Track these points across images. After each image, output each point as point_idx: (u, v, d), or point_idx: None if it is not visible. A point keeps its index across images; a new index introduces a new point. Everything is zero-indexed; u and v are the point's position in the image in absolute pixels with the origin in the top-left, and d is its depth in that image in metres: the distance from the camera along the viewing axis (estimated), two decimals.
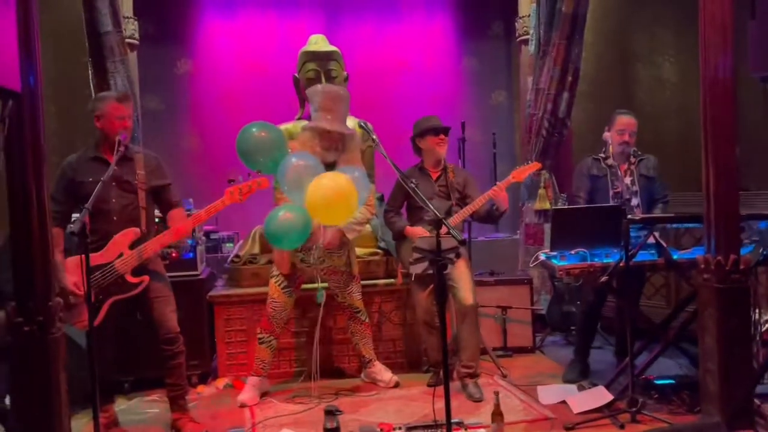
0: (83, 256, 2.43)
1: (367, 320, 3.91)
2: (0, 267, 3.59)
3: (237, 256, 4.32)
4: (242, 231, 4.87)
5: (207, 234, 4.77)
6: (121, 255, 3.08)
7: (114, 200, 3.13)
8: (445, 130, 3.88)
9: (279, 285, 3.71)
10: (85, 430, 3.21)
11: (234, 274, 4.26)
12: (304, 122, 4.53)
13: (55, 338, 2.43)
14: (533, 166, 3.85)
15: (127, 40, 4.57)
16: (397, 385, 3.82)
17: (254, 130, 3.50)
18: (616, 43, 5.72)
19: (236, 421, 3.36)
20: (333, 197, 3.29)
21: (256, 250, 4.30)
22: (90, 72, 4.38)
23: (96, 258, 3.02)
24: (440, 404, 2.39)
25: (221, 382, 4.00)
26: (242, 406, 3.59)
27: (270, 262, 4.20)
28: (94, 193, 2.69)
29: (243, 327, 4.09)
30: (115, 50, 4.26)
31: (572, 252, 3.26)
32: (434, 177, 3.91)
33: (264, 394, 3.75)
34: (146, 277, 3.14)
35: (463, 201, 3.87)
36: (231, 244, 5.00)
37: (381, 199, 4.46)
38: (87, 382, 2.60)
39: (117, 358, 3.39)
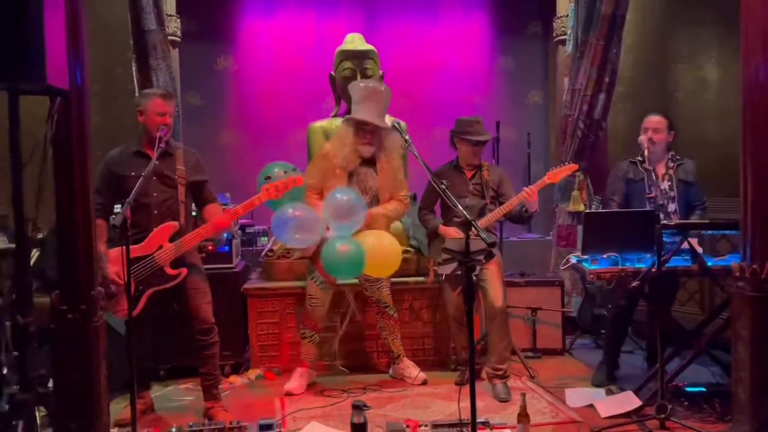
0: (124, 247, 2.53)
1: (395, 315, 3.93)
2: (46, 256, 3.76)
3: (271, 250, 4.40)
4: None
5: (242, 228, 4.87)
6: (160, 247, 3.18)
7: (155, 194, 3.23)
8: (483, 143, 3.87)
9: (315, 282, 3.77)
10: (123, 414, 3.32)
11: (268, 268, 4.35)
12: (340, 120, 4.60)
13: (96, 326, 2.54)
14: (569, 168, 3.81)
15: (170, 38, 4.68)
16: (424, 383, 3.85)
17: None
18: (657, 45, 5.63)
19: (267, 412, 3.43)
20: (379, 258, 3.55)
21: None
22: (134, 68, 4.51)
23: (136, 250, 3.12)
24: (467, 403, 2.42)
25: (253, 373, 4.09)
26: (288, 394, 3.70)
27: (303, 257, 4.28)
28: (135, 187, 2.80)
29: (275, 320, 4.17)
30: (158, 48, 4.37)
31: (604, 256, 3.24)
32: (469, 175, 3.92)
33: (310, 385, 3.86)
34: (184, 270, 3.23)
35: (497, 199, 3.87)
36: (266, 238, 5.08)
37: (414, 198, 4.49)
38: (125, 369, 2.72)
39: (154, 347, 3.52)
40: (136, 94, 4.64)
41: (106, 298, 3.04)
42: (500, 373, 3.68)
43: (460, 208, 2.49)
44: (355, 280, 3.86)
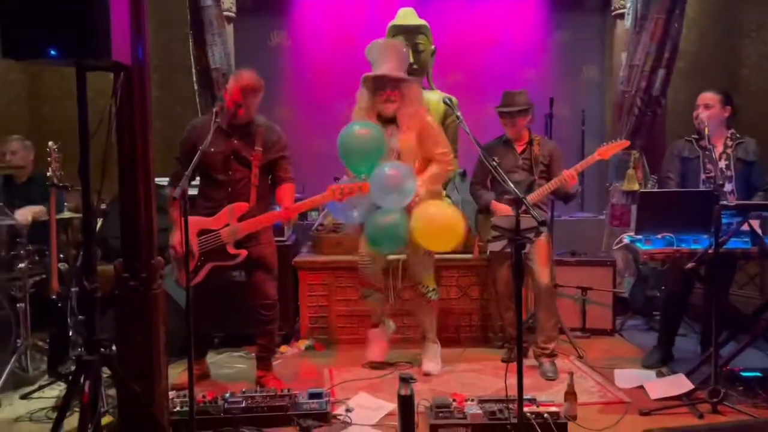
0: (188, 218, 2.57)
1: (434, 298, 3.71)
2: (108, 226, 3.92)
3: (321, 224, 4.48)
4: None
5: (294, 202, 4.94)
6: (227, 225, 3.26)
7: (230, 173, 3.30)
8: (510, 114, 3.80)
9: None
10: (179, 378, 3.47)
11: (318, 242, 4.43)
12: None
13: (156, 294, 2.64)
14: (620, 144, 3.72)
15: (225, 13, 4.75)
16: (426, 374, 3.64)
17: (356, 128, 3.48)
18: (722, 18, 5.38)
19: (317, 382, 3.53)
20: (441, 228, 3.42)
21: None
22: (190, 43, 4.61)
23: (207, 223, 3.27)
24: (513, 380, 2.43)
25: (303, 344, 4.20)
26: (371, 362, 3.74)
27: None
28: (192, 163, 2.87)
29: (324, 292, 4.26)
30: (213, 23, 4.45)
31: (658, 236, 3.17)
32: (519, 150, 3.87)
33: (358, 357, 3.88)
34: (244, 252, 3.28)
35: (548, 174, 3.82)
36: (316, 213, 5.15)
37: (463, 174, 4.48)
38: (182, 336, 2.83)
39: (210, 315, 3.64)
40: (193, 70, 4.76)
41: (174, 264, 3.19)
42: (547, 351, 3.67)
43: (511, 185, 2.47)
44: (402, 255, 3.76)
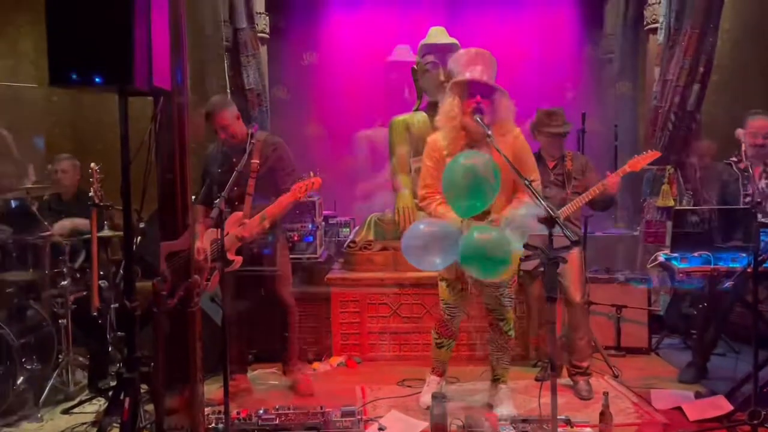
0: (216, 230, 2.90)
1: (511, 333, 3.37)
2: (146, 243, 4.01)
3: (353, 241, 4.51)
4: (358, 217, 5.06)
5: (325, 219, 5.00)
6: (225, 235, 3.36)
7: (235, 188, 3.47)
8: (563, 135, 3.80)
9: (453, 289, 3.30)
10: (214, 394, 3.53)
11: (350, 259, 4.46)
12: (422, 113, 4.64)
13: (193, 312, 2.70)
14: (651, 156, 3.69)
15: (259, 35, 4.86)
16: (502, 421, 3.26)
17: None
18: (758, 31, 5.30)
19: (349, 400, 3.53)
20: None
21: (372, 236, 4.46)
22: (225, 65, 4.72)
23: (214, 234, 3.46)
24: (547, 399, 2.41)
25: (335, 361, 4.21)
26: (427, 408, 3.22)
27: (384, 248, 4.37)
28: (229, 183, 3.01)
29: (357, 309, 4.27)
30: (248, 45, 4.56)
31: (695, 254, 3.12)
32: (551, 165, 3.85)
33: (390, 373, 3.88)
34: (239, 259, 3.49)
35: (581, 189, 3.80)
36: (347, 229, 5.20)
37: None
38: (216, 352, 2.88)
39: (245, 333, 3.73)
40: (227, 90, 4.87)
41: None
42: (581, 370, 3.63)
43: (545, 204, 2.47)
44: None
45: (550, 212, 2.41)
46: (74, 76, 2.07)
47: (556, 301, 2.42)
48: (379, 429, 3.10)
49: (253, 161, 3.52)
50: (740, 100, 5.13)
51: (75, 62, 2.06)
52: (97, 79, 2.07)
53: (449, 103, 3.16)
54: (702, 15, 4.50)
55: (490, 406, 3.34)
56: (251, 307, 3.71)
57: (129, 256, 2.38)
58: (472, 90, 3.09)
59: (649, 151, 3.80)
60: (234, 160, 3.54)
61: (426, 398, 3.42)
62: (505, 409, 3.28)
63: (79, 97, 5.42)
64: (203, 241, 3.48)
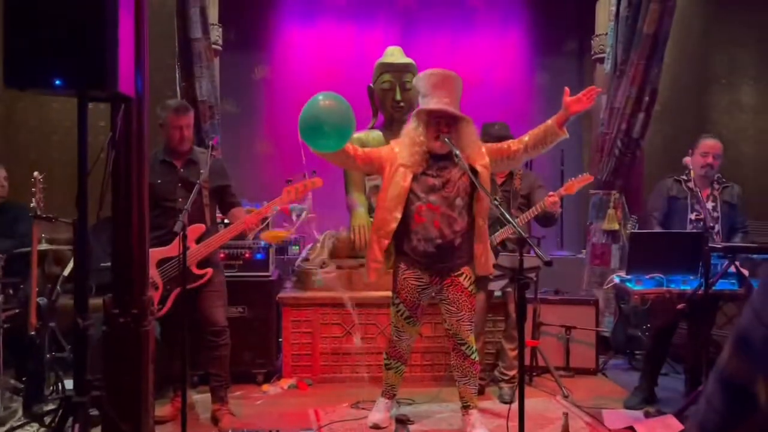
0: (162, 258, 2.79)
1: (475, 358, 3.27)
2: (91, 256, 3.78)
3: (306, 259, 4.41)
4: (308, 235, 4.97)
5: None
6: (187, 249, 3.20)
7: (180, 199, 3.33)
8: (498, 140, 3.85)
9: (402, 315, 3.28)
10: (161, 411, 3.39)
11: (302, 277, 4.36)
12: (377, 132, 4.62)
13: (147, 330, 2.56)
14: (584, 179, 3.85)
15: (212, 46, 4.74)
16: None
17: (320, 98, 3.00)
18: (694, 64, 5.60)
19: (302, 423, 3.43)
20: None
21: (326, 255, 4.38)
22: (177, 75, 4.57)
23: (164, 251, 3.30)
24: (500, 422, 2.39)
25: (286, 383, 4.09)
26: (374, 426, 3.34)
27: (339, 267, 4.30)
28: (191, 196, 2.88)
29: (309, 329, 4.17)
30: (202, 56, 4.44)
31: (648, 277, 3.21)
32: (499, 181, 3.92)
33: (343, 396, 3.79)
34: (210, 270, 3.36)
35: (526, 206, 3.88)
36: (297, 247, 5.10)
37: None
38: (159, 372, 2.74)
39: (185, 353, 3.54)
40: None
41: None
42: (507, 377, 3.90)
43: (515, 223, 2.48)
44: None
45: (521, 232, 2.41)
46: (32, 78, 1.94)
47: (525, 320, 2.42)
48: None
49: (201, 171, 3.30)
50: (678, 128, 5.39)
51: (34, 63, 1.93)
52: (57, 82, 1.94)
53: (414, 129, 3.17)
54: (648, 47, 4.71)
55: None
56: (191, 326, 3.56)
57: (82, 270, 2.22)
58: (438, 118, 3.11)
59: (584, 174, 3.92)
60: (181, 169, 3.39)
61: (373, 417, 3.41)
62: (481, 430, 3.21)
63: (11, 103, 5.13)
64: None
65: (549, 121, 3.17)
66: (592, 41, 5.36)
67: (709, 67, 5.65)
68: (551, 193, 3.76)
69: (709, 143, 3.74)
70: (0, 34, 1.97)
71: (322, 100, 2.93)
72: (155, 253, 3.21)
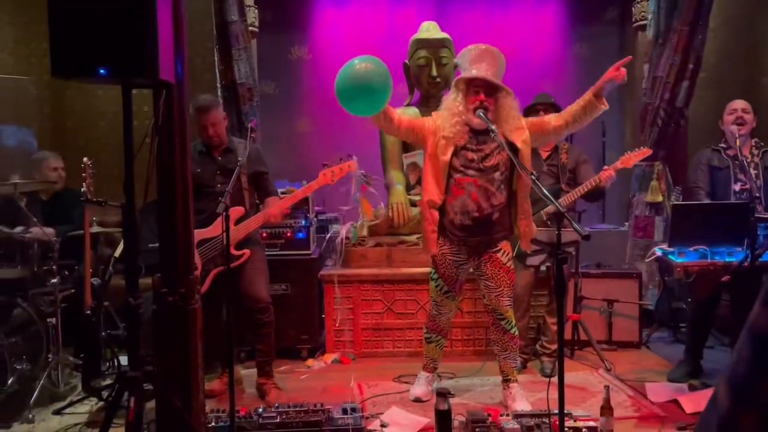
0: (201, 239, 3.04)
1: (514, 332, 3.29)
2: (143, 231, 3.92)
3: (346, 237, 4.47)
4: (348, 213, 5.03)
5: (316, 215, 4.96)
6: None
7: (219, 185, 3.45)
8: (545, 107, 3.80)
9: (441, 290, 3.33)
10: (210, 384, 3.56)
11: (343, 254, 4.42)
12: (413, 108, 4.61)
13: (194, 309, 2.64)
14: (642, 153, 3.77)
15: (249, 28, 4.79)
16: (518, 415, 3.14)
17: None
18: (741, 29, 5.39)
19: (345, 397, 3.51)
20: None
21: (365, 232, 4.44)
22: (216, 58, 4.64)
23: (204, 233, 3.43)
24: (541, 394, 2.41)
25: (329, 358, 4.19)
26: (416, 400, 3.40)
27: (378, 245, 4.35)
28: (232, 180, 3.01)
29: (350, 305, 4.25)
30: (239, 38, 4.49)
31: (692, 249, 3.16)
32: (544, 155, 3.88)
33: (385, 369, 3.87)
34: (247, 251, 3.46)
35: (574, 182, 3.84)
36: (337, 225, 5.16)
37: None
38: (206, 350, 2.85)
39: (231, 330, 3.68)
40: (217, 85, 4.79)
41: None
42: (549, 351, 3.88)
43: (552, 199, 2.47)
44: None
45: (558, 207, 2.41)
46: (77, 67, 2.01)
47: (565, 295, 2.42)
48: (382, 425, 3.08)
49: (239, 158, 3.40)
50: (725, 96, 5.21)
51: (79, 53, 2.00)
52: (101, 71, 2.01)
53: (453, 99, 3.17)
54: (692, 12, 4.56)
55: (504, 406, 3.27)
56: (232, 304, 3.68)
57: (132, 252, 2.31)
58: (477, 87, 3.09)
59: (641, 148, 3.84)
60: (219, 158, 3.54)
61: (414, 391, 3.47)
62: (520, 407, 3.18)
63: (60, 91, 5.30)
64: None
65: (586, 94, 3.10)
66: (633, 8, 5.21)
67: (757, 31, 5.43)
68: (606, 167, 3.70)
69: (734, 104, 3.66)
70: (46, 27, 2.04)
71: (359, 63, 2.90)
72: (195, 235, 3.31)
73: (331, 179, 3.52)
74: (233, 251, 3.40)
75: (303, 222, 4.26)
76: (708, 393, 3.27)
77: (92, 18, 1.97)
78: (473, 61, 3.10)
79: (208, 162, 3.54)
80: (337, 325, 4.23)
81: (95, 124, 5.35)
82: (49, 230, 3.55)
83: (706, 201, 3.59)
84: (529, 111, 3.86)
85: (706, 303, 3.70)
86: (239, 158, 3.38)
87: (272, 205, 3.58)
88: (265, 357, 3.60)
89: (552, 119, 3.23)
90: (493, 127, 2.93)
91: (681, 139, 4.98)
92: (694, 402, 3.24)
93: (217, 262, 3.42)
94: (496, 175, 3.13)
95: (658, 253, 3.36)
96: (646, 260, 3.53)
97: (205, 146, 3.58)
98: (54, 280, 3.45)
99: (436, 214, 3.19)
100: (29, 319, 3.46)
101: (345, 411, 3.04)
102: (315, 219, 4.56)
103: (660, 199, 4.76)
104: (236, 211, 3.40)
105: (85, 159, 3.29)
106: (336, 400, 3.40)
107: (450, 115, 3.15)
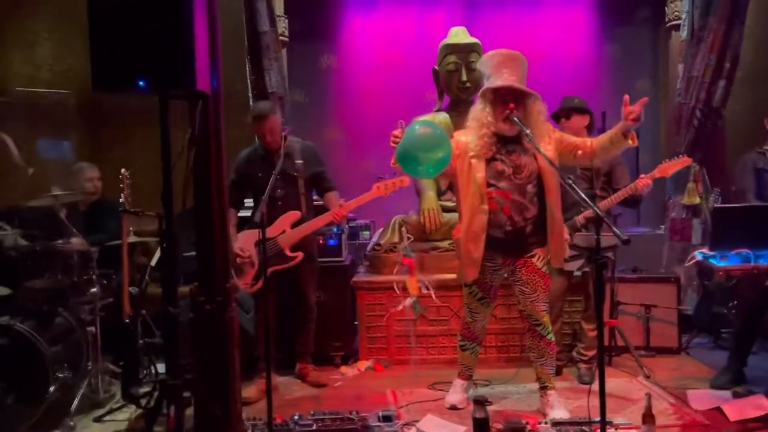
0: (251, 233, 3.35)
1: (551, 338, 3.24)
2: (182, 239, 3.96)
3: (378, 244, 4.47)
4: (378, 220, 5.03)
5: (347, 222, 4.97)
6: (283, 232, 3.60)
7: (279, 190, 3.61)
8: (582, 111, 3.79)
9: (475, 297, 3.30)
10: (246, 392, 3.50)
11: (375, 262, 4.42)
12: (443, 114, 4.60)
13: (231, 317, 2.67)
14: (682, 162, 3.68)
15: (279, 38, 4.84)
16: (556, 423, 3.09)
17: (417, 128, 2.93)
18: None
19: (380, 404, 3.50)
20: None
21: (396, 239, 4.43)
22: (248, 68, 4.69)
23: (252, 236, 3.59)
24: (580, 402, 2.37)
25: (363, 365, 4.17)
26: (452, 408, 3.38)
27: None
28: (268, 187, 3.04)
29: (383, 312, 4.23)
30: (270, 48, 4.54)
31: (734, 252, 3.08)
32: None
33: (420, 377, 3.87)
34: (300, 253, 3.61)
35: (608, 185, 3.78)
36: (367, 232, 5.17)
37: None
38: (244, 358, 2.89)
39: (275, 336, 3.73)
40: (249, 94, 4.84)
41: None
42: (586, 358, 3.83)
43: (591, 204, 2.43)
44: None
45: (598, 212, 2.37)
46: (118, 81, 2.05)
47: (603, 302, 2.38)
48: None
49: (297, 162, 3.66)
50: (762, 95, 5.09)
51: (119, 66, 2.04)
52: (141, 83, 2.04)
53: (480, 111, 3.13)
54: (728, 10, 4.47)
55: (543, 414, 3.22)
56: (280, 306, 3.81)
57: (171, 261, 2.34)
58: (505, 96, 3.04)
59: (681, 156, 3.77)
60: (278, 162, 3.52)
61: (450, 398, 3.45)
62: (557, 414, 3.13)
63: (98, 103, 5.40)
64: (244, 242, 3.62)
65: (615, 128, 3.07)
66: (666, 7, 5.13)
67: None
68: (642, 175, 3.63)
69: None
70: (83, 42, 2.09)
71: (419, 128, 2.88)
72: (253, 235, 3.56)
73: (385, 192, 3.60)
74: (288, 253, 3.60)
75: (335, 229, 4.27)
76: (753, 400, 3.19)
77: (131, 32, 2.01)
78: (495, 69, 3.06)
79: (269, 167, 3.51)
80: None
81: (133, 136, 5.40)
82: (81, 240, 3.62)
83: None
84: (558, 116, 3.82)
85: (752, 309, 3.60)
86: (297, 161, 3.61)
87: (332, 200, 3.74)
88: (305, 347, 3.94)
89: (588, 141, 3.20)
90: (528, 131, 2.90)
91: (718, 140, 4.88)
92: (739, 409, 3.15)
93: (272, 262, 3.53)
94: (529, 187, 3.09)
95: (699, 257, 3.28)
96: (686, 264, 3.45)
97: (265, 150, 3.68)
98: (93, 290, 3.52)
99: (482, 237, 3.10)
100: (70, 328, 3.52)
101: (381, 418, 3.03)
102: (347, 226, 4.56)
103: (697, 201, 4.66)
104: (292, 215, 3.61)
105: (123, 170, 3.35)
106: (370, 408, 3.39)
107: (479, 126, 3.10)
